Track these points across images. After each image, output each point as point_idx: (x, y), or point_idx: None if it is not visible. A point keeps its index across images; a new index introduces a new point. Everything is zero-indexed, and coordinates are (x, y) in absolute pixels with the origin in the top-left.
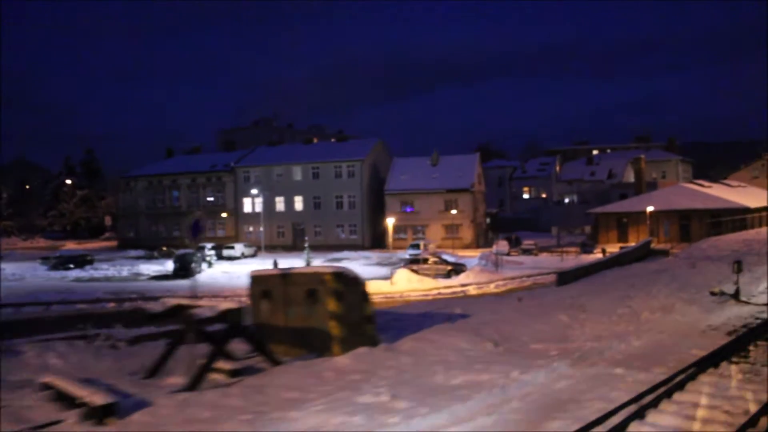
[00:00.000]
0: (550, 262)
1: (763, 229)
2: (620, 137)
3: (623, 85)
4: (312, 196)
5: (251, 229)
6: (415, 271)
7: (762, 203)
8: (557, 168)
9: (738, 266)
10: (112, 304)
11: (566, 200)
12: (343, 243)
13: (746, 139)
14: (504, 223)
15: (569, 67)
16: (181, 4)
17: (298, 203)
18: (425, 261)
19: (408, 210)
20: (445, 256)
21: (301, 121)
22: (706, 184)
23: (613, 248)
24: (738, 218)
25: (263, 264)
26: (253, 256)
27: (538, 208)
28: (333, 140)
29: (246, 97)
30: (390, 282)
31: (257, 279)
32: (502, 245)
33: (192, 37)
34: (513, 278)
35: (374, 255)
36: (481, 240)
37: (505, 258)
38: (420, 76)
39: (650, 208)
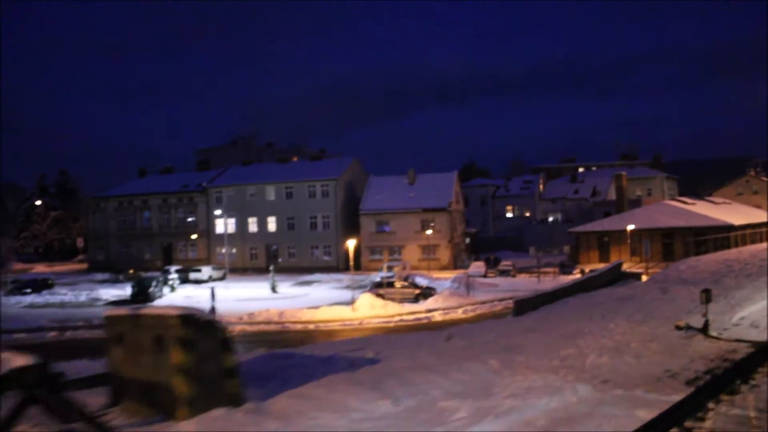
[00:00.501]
0: (527, 283)
1: (746, 248)
2: (609, 155)
3: (614, 104)
4: (286, 217)
5: (224, 250)
6: (381, 296)
7: (745, 220)
8: (540, 186)
9: (706, 296)
10: (53, 334)
11: (550, 219)
12: (318, 264)
13: (734, 156)
14: (486, 243)
15: (560, 87)
16: (168, 22)
17: (272, 224)
18: (392, 285)
19: (385, 230)
20: (418, 279)
21: (285, 141)
22: (689, 201)
23: (594, 268)
24: (721, 236)
25: (228, 288)
26: (222, 279)
27: (521, 228)
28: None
29: (233, 118)
30: (351, 308)
31: (110, 320)
32: (478, 266)
33: (178, 57)
34: (484, 302)
35: (346, 277)
36: (459, 261)
37: (480, 280)
38: (410, 97)
39: (631, 227)
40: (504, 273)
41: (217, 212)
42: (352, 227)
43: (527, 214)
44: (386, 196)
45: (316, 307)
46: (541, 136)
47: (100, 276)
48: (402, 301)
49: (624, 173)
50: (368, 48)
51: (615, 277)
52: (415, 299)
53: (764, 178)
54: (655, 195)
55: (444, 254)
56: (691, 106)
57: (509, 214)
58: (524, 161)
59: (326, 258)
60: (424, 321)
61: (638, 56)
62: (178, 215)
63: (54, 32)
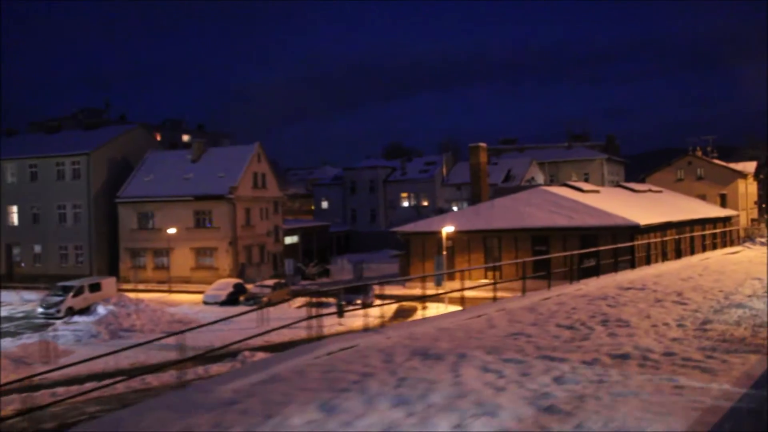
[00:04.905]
0: (245, 326)
1: (607, 280)
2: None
3: (604, 92)
4: (30, 206)
5: None
6: None
7: (669, 217)
8: (444, 170)
9: None
10: None
11: (454, 208)
12: (69, 272)
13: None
14: (362, 241)
15: (542, 73)
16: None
17: (14, 215)
18: None
19: (149, 226)
20: (101, 308)
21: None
22: (586, 187)
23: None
24: (622, 245)
25: None
26: None
27: (413, 219)
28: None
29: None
30: None
31: None
32: (219, 288)
33: (170, 41)
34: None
35: (36, 298)
36: (259, 271)
37: (189, 315)
38: (395, 84)
39: (449, 229)
40: (251, 300)
41: None
42: (115, 221)
43: (425, 204)
44: (158, 177)
45: None
46: (519, 122)
47: None
48: None
49: (483, 144)
50: (354, 35)
51: None
52: None
53: (715, 160)
54: (594, 180)
55: (224, 261)
56: (671, 96)
57: (405, 203)
58: (460, 142)
59: (79, 263)
60: None
61: (628, 45)
62: None
63: None
